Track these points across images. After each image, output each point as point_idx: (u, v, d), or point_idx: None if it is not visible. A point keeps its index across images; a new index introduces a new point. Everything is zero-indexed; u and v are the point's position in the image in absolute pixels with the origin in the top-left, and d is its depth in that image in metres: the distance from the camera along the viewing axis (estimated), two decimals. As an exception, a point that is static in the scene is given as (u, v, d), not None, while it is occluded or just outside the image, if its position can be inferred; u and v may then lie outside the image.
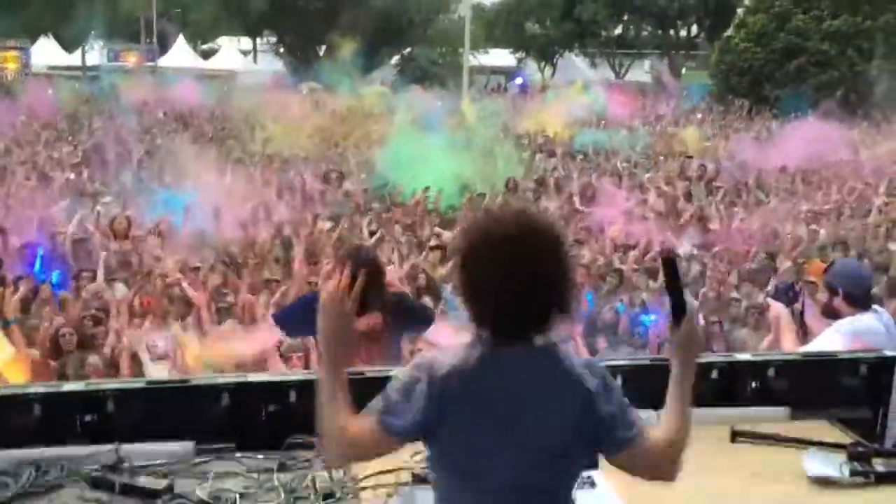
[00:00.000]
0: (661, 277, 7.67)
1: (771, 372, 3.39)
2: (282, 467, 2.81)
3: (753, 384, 3.36)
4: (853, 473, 2.82)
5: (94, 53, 44.66)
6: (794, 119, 20.95)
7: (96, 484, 2.68)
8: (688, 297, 2.18)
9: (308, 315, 2.09)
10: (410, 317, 4.09)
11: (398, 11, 42.57)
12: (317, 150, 15.86)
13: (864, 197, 12.00)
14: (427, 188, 11.00)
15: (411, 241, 8.83)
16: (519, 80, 43.88)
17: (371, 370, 2.97)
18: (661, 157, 16.57)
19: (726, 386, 3.35)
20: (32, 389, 3.04)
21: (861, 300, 4.05)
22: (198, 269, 7.79)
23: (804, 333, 4.85)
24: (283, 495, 2.66)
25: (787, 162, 14.35)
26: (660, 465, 2.05)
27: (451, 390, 1.88)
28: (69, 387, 3.06)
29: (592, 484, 2.75)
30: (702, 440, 3.06)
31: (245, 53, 48.99)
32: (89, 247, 8.45)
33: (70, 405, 2.92)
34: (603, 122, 21.74)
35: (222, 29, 48.35)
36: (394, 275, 7.19)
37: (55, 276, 7.91)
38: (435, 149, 13.10)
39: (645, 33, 48.49)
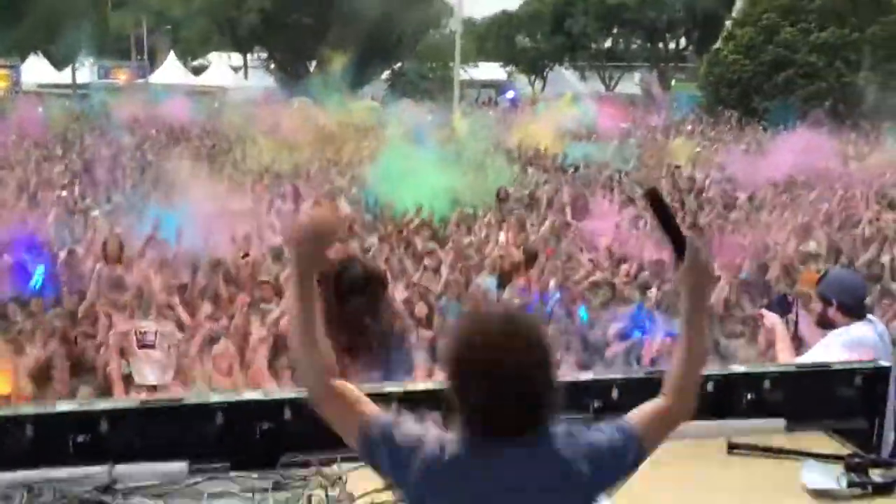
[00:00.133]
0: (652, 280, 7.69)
1: (766, 384, 3.38)
2: (277, 486, 2.78)
3: (749, 396, 3.35)
4: (851, 485, 2.81)
5: (85, 71, 44.68)
6: (783, 130, 21.06)
7: (89, 506, 2.65)
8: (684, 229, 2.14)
9: None
10: (393, 365, 4.01)
11: (388, 27, 42.74)
12: (307, 166, 15.84)
13: (853, 207, 12.04)
14: (420, 208, 10.96)
15: (404, 259, 8.77)
16: (510, 94, 44.07)
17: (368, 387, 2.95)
18: (650, 170, 16.61)
19: (722, 398, 3.34)
20: (24, 410, 3.02)
21: (855, 310, 4.06)
22: (185, 286, 7.74)
23: (798, 344, 4.85)
24: (278, 514, 2.63)
25: (777, 173, 14.40)
26: (676, 417, 2.09)
27: (436, 477, 1.92)
28: (62, 407, 3.03)
29: (590, 499, 2.73)
30: (698, 453, 3.07)
31: (236, 69, 49.13)
32: (80, 269, 8.39)
33: (62, 426, 2.88)
34: (594, 135, 21.81)
35: (213, 45, 48.50)
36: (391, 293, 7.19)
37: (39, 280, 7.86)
38: (426, 163, 13.10)
39: (634, 46, 48.87)
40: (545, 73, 50.68)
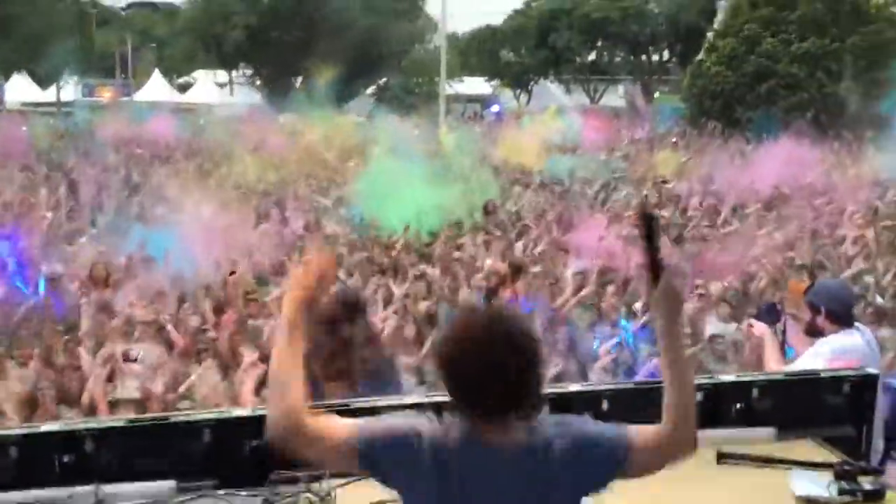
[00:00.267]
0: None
1: (755, 393, 3.39)
2: (266, 503, 2.76)
3: (738, 405, 3.36)
4: (840, 492, 2.82)
5: (69, 89, 44.57)
6: (766, 141, 21.18)
7: (76, 527, 2.63)
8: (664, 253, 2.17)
9: None
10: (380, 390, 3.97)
11: (373, 42, 42.87)
12: (294, 183, 15.82)
13: (836, 220, 12.09)
14: (407, 227, 10.94)
15: (390, 284, 8.71)
16: (495, 108, 44.24)
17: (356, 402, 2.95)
18: (637, 182, 16.67)
19: (711, 408, 3.34)
20: (8, 432, 2.98)
21: (843, 318, 4.08)
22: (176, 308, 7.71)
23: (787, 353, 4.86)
24: (267, 532, 2.62)
25: (761, 185, 14.46)
26: (674, 450, 2.11)
27: (429, 466, 1.98)
28: (47, 427, 3.00)
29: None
30: (688, 463, 3.05)
31: (221, 86, 49.08)
32: (65, 293, 8.33)
33: (48, 446, 2.86)
34: (578, 149, 21.88)
35: (198, 63, 48.47)
36: (379, 317, 7.15)
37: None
38: (413, 178, 13.08)
39: (618, 59, 49.16)
40: (530, 87, 50.91)
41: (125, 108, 33.88)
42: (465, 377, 1.98)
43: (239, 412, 3.16)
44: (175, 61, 49.59)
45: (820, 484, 2.86)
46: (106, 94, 44.10)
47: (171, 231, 9.97)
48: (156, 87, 45.00)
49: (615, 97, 48.65)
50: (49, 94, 43.55)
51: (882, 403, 3.78)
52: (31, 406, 5.93)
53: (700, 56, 35.85)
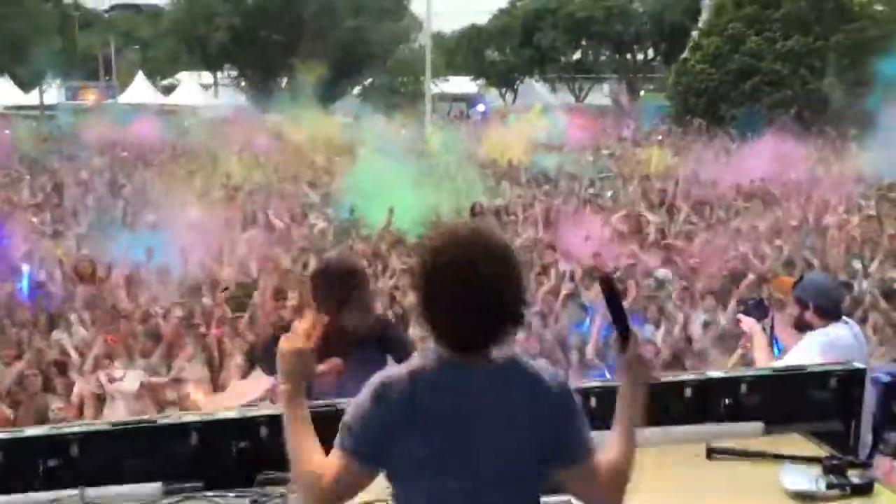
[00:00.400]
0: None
1: (743, 388, 3.39)
2: (254, 505, 2.74)
3: (726, 401, 3.36)
4: (829, 486, 2.83)
5: (52, 92, 44.25)
6: (751, 138, 21.29)
7: (61, 531, 2.60)
8: (630, 321, 2.18)
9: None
10: (394, 347, 3.91)
11: (358, 42, 42.78)
12: (280, 183, 15.79)
13: (821, 213, 12.17)
14: (391, 210, 10.91)
15: (377, 270, 8.74)
16: (480, 107, 44.24)
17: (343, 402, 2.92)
18: (624, 180, 16.72)
19: (700, 403, 3.35)
20: (-8, 436, 2.95)
21: (832, 312, 4.10)
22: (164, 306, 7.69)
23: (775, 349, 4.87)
24: (255, 534, 2.60)
25: (746, 181, 14.54)
26: (603, 492, 2.05)
27: (404, 409, 1.91)
28: (31, 431, 2.97)
29: (570, 509, 2.72)
30: (677, 458, 3.07)
31: (206, 88, 48.87)
32: (51, 291, 8.30)
33: (32, 450, 2.82)
34: (564, 147, 21.92)
35: (182, 64, 48.23)
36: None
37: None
38: (399, 177, 13.09)
39: (603, 58, 49.27)
40: (516, 86, 50.97)
41: (109, 110, 33.68)
42: (444, 293, 1.89)
43: (225, 414, 3.13)
44: (159, 63, 49.32)
45: (809, 478, 2.86)
46: (90, 97, 43.84)
47: (156, 233, 9.95)
48: (140, 90, 44.75)
49: (600, 96, 48.80)
50: (32, 98, 43.24)
51: (870, 397, 3.80)
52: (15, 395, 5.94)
53: (685, 54, 35.95)
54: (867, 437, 3.64)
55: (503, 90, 51.53)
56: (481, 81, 51.54)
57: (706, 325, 7.34)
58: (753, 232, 10.88)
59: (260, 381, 5.57)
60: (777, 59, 30.67)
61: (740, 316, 4.55)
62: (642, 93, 47.79)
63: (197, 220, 10.81)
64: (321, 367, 3.11)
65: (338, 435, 1.97)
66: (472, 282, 1.87)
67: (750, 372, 3.67)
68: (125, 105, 37.62)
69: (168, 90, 48.17)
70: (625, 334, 2.11)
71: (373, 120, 24.33)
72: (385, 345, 3.74)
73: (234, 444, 2.91)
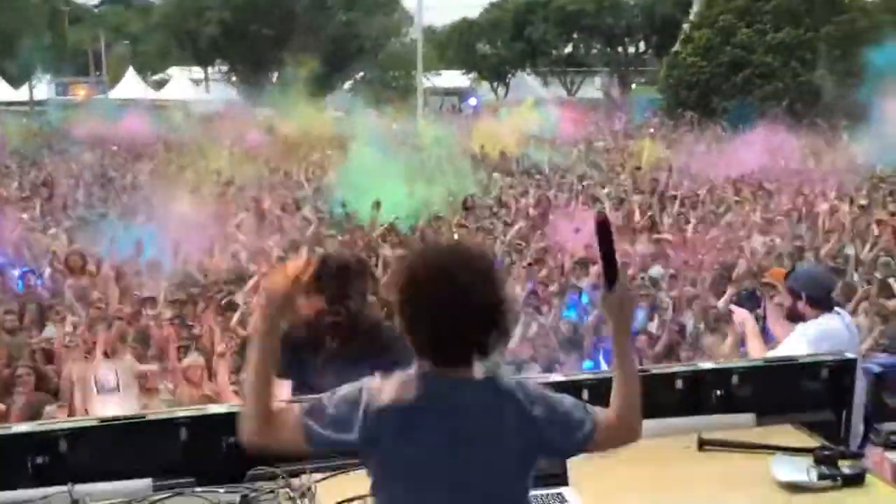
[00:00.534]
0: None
1: (735, 379, 3.39)
2: (245, 500, 2.72)
3: (718, 392, 3.36)
4: (821, 477, 2.83)
5: (42, 87, 44.04)
6: (742, 130, 21.32)
7: (50, 528, 2.58)
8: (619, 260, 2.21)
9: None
10: (386, 351, 3.80)
11: (350, 36, 42.68)
12: (272, 178, 15.74)
13: (814, 203, 12.20)
14: (378, 202, 10.89)
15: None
16: (472, 101, 44.16)
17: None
18: (616, 173, 16.71)
19: (691, 395, 3.35)
20: (-22, 434, 2.92)
21: (824, 302, 4.11)
22: (152, 299, 7.65)
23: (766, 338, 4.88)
24: (246, 529, 2.58)
25: (738, 173, 14.56)
26: (623, 434, 2.11)
27: (387, 421, 1.93)
28: (18, 428, 2.94)
29: (562, 501, 2.72)
30: (669, 450, 3.06)
31: (197, 83, 48.68)
32: (39, 288, 8.27)
33: (20, 447, 2.80)
34: (556, 140, 21.92)
35: (172, 59, 48.03)
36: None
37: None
38: (392, 171, 13.07)
39: (594, 51, 49.23)
40: (507, 80, 50.93)
41: (99, 105, 33.51)
42: (427, 311, 1.90)
43: (215, 409, 3.11)
44: (149, 58, 49.08)
45: (800, 469, 2.86)
46: (80, 93, 43.62)
47: (148, 226, 9.92)
48: (130, 85, 44.57)
49: (592, 89, 48.80)
50: (22, 93, 43.03)
51: (861, 387, 3.81)
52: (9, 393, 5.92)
53: (676, 47, 35.99)
54: (859, 427, 3.65)
55: (495, 84, 51.48)
56: (473, 75, 51.47)
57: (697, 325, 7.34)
58: (745, 224, 10.90)
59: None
60: (768, 52, 30.73)
61: (733, 307, 4.56)
62: (634, 86, 47.80)
63: (188, 214, 10.77)
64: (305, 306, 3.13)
65: (310, 401, 2.01)
66: (453, 295, 1.89)
67: (741, 363, 3.67)
68: (116, 100, 37.45)
69: (159, 85, 47.98)
70: (611, 276, 2.13)
71: (364, 114, 24.23)
72: (382, 342, 3.70)
73: (224, 440, 2.89)
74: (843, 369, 3.49)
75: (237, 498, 2.73)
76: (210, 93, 45.84)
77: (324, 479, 2.73)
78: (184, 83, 46.87)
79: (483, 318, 1.92)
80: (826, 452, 2.94)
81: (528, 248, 9.48)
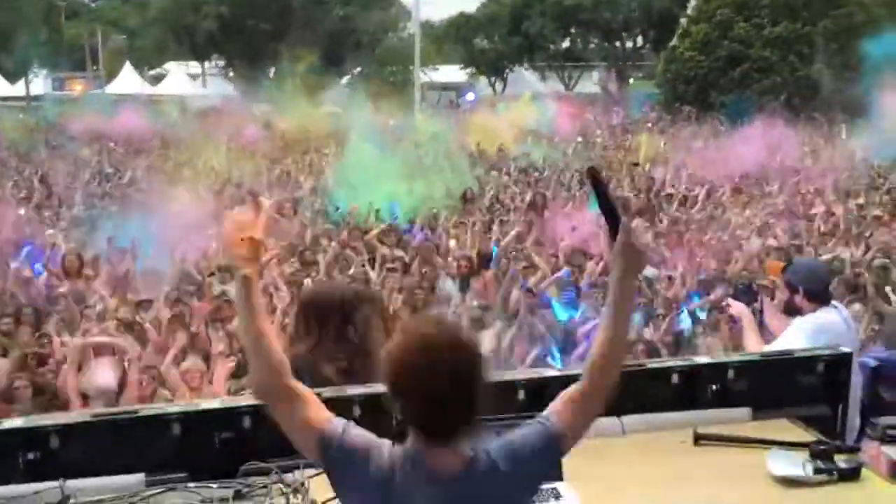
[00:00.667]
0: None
1: (730, 374, 3.38)
2: (238, 496, 2.71)
3: (714, 387, 3.35)
4: (816, 471, 2.82)
5: (39, 83, 43.96)
6: (740, 124, 21.28)
7: (41, 524, 2.57)
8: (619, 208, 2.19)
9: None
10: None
11: (347, 31, 42.63)
12: (269, 173, 15.70)
13: (810, 202, 12.17)
14: (355, 206, 10.89)
15: (367, 268, 8.65)
16: (470, 96, 44.13)
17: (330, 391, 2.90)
18: (613, 171, 16.67)
19: (687, 389, 3.34)
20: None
21: (821, 296, 4.10)
22: (149, 301, 7.62)
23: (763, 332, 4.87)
24: (239, 524, 2.57)
25: (735, 168, 14.51)
26: (605, 369, 2.11)
27: (374, 481, 1.99)
28: (9, 424, 2.93)
29: (557, 496, 2.71)
30: (665, 444, 3.05)
31: (194, 77, 48.59)
32: (35, 287, 8.22)
33: (11, 443, 2.79)
34: (554, 136, 21.87)
35: (169, 54, 47.95)
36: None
37: None
38: (389, 166, 13.03)
39: (592, 46, 49.19)
40: (505, 75, 50.87)
41: (96, 100, 33.44)
42: (408, 399, 1.96)
43: (207, 404, 3.10)
44: (146, 53, 48.97)
45: (796, 463, 2.85)
46: (76, 88, 43.61)
47: (144, 223, 9.88)
48: (127, 80, 44.45)
49: (590, 84, 48.74)
50: (18, 89, 42.93)
51: (857, 382, 3.80)
52: (7, 400, 5.87)
53: (673, 42, 35.98)
54: (855, 421, 3.64)
55: (492, 79, 51.43)
56: (470, 70, 51.41)
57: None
58: (742, 221, 10.88)
59: None
60: (766, 46, 30.72)
61: (729, 300, 4.55)
62: (631, 80, 47.78)
63: (185, 213, 10.72)
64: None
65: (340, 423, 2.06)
66: (439, 384, 1.93)
67: (737, 357, 3.66)
68: (112, 95, 37.37)
69: (156, 80, 47.86)
70: (614, 223, 2.10)
71: (362, 109, 24.19)
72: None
73: (218, 435, 2.89)
74: (839, 363, 3.48)
75: (230, 493, 2.72)
76: (207, 88, 45.76)
77: (317, 474, 2.71)
78: (181, 78, 46.78)
79: (468, 399, 1.97)
80: (822, 447, 2.93)
81: (524, 248, 9.40)
